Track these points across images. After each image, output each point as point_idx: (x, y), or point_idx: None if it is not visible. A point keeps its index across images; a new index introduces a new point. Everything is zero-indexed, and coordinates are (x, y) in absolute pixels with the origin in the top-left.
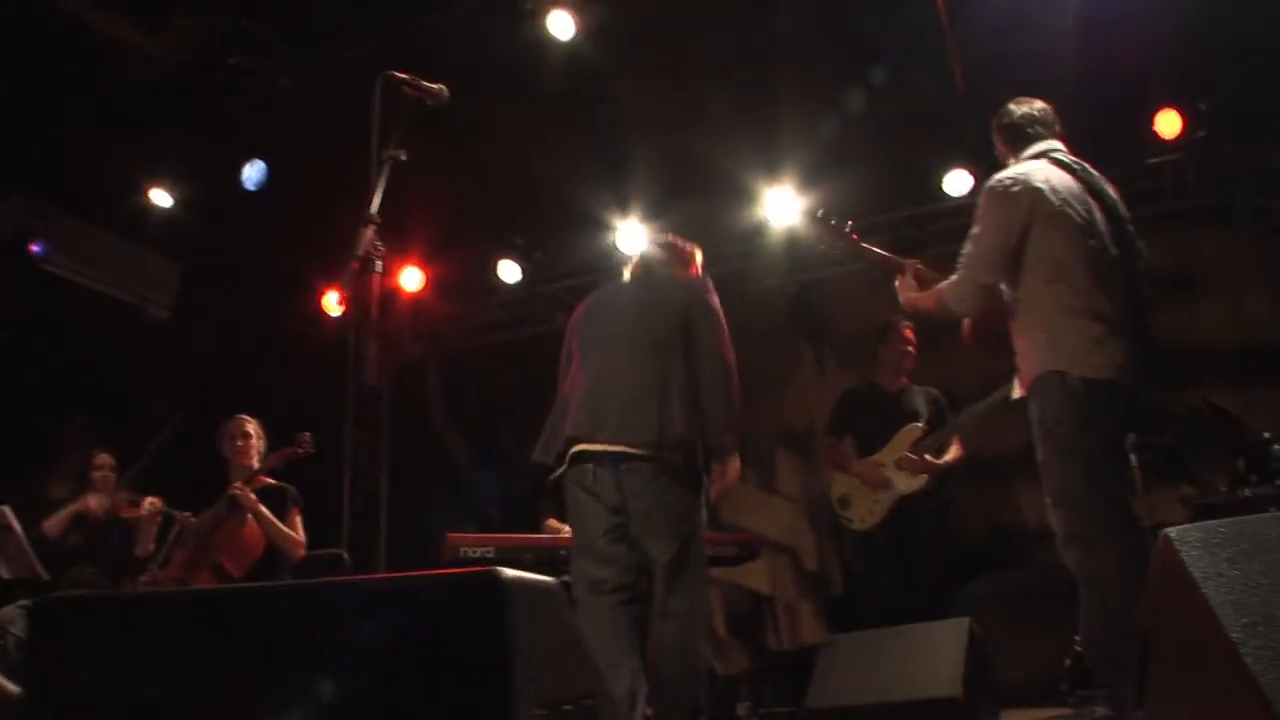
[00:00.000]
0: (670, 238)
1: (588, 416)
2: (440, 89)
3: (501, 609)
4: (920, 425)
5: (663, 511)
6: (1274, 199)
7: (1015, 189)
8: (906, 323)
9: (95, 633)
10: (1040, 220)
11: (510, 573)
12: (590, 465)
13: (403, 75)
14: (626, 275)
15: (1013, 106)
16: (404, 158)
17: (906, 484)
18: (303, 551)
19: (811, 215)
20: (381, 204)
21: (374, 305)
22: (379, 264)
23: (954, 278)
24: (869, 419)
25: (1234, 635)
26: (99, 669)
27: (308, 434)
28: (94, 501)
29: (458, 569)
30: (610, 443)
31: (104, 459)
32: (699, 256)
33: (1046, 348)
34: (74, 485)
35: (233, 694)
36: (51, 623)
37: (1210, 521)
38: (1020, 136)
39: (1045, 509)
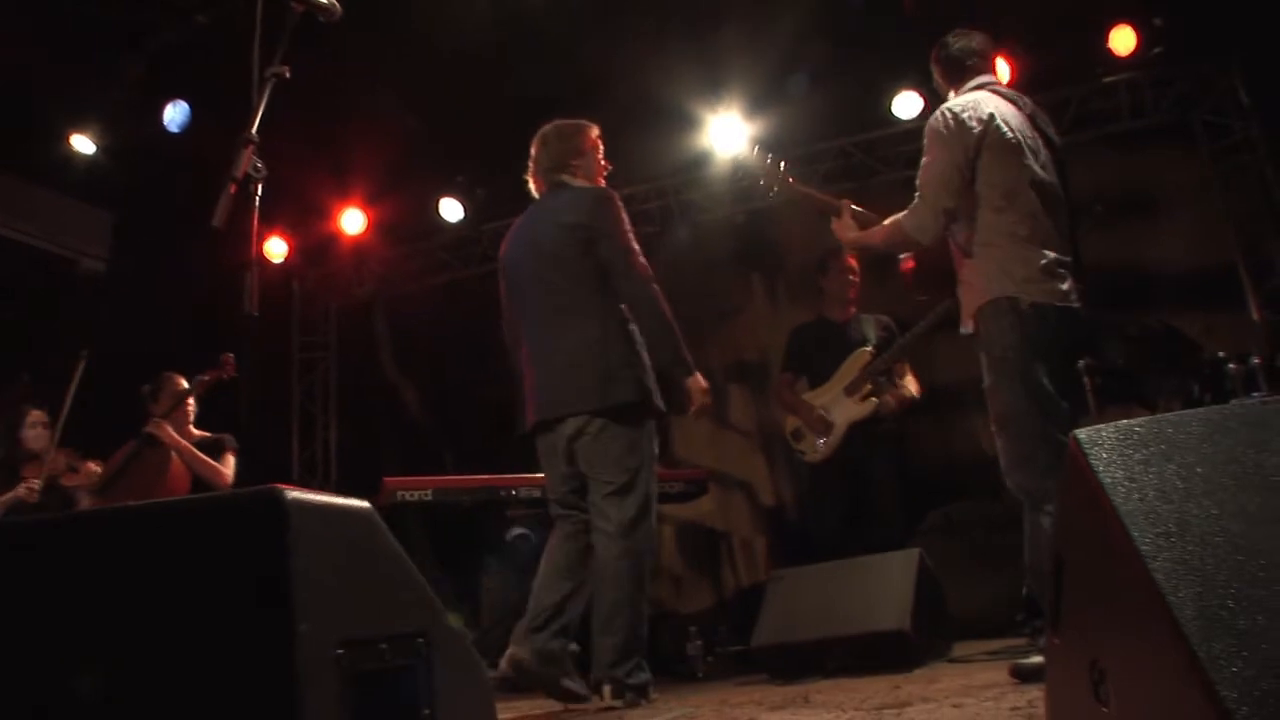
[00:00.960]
0: (557, 125)
1: (537, 400)
2: (332, 3)
3: (280, 533)
4: (868, 349)
5: (605, 451)
6: (1233, 117)
7: (965, 114)
8: (847, 251)
9: None
10: (991, 147)
11: (297, 493)
12: (548, 433)
13: None
14: (533, 189)
15: (951, 39)
16: (288, 75)
17: (855, 410)
18: (228, 482)
19: (759, 149)
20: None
21: (254, 230)
22: (259, 187)
23: (912, 206)
24: (820, 353)
25: (1144, 548)
26: None
27: (230, 355)
28: (25, 491)
29: (234, 491)
30: (557, 415)
31: (37, 415)
32: (592, 134)
33: (995, 274)
34: (7, 444)
35: None
36: None
37: (1125, 421)
38: (960, 69)
39: None
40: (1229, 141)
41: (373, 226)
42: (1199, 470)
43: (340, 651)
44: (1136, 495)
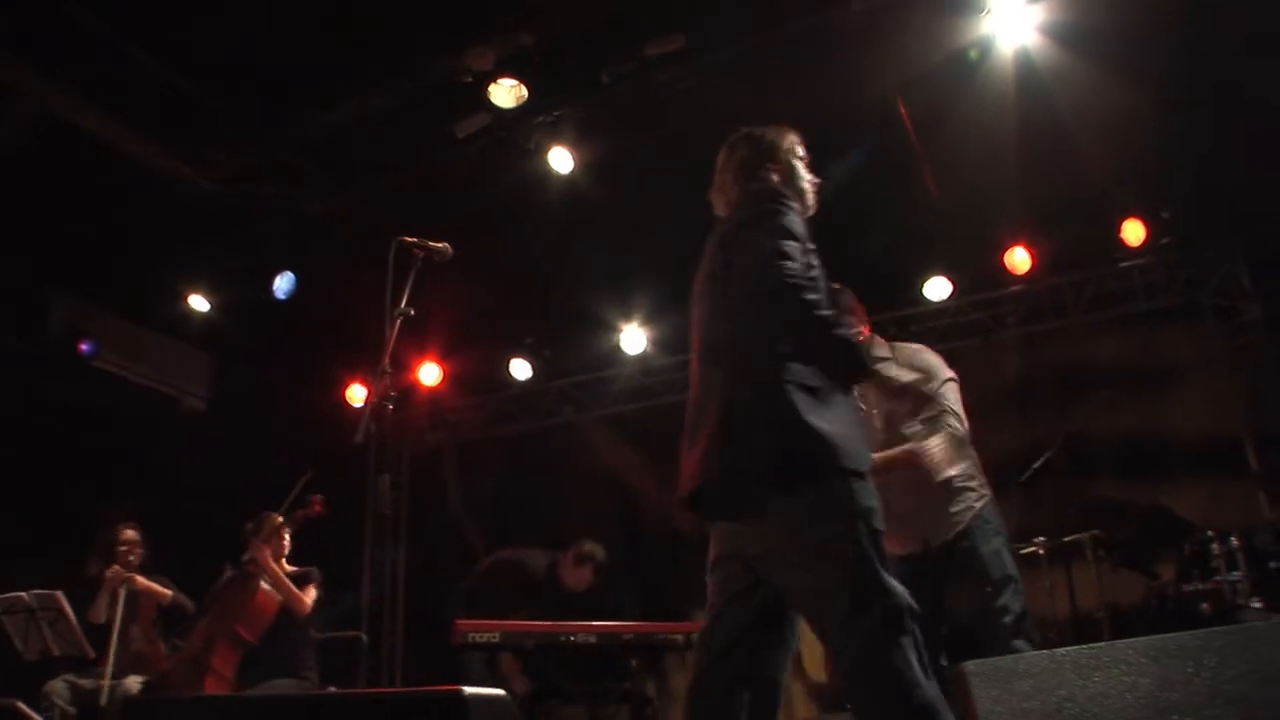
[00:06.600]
0: None
1: None
2: (444, 247)
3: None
4: None
5: None
6: (1236, 299)
7: None
8: None
9: None
10: None
11: (471, 690)
12: None
13: (411, 239)
14: None
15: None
16: (412, 313)
17: None
18: (306, 611)
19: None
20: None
21: (388, 443)
22: (391, 406)
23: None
24: None
25: None
26: None
27: (319, 495)
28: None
29: (425, 688)
30: None
31: (129, 534)
32: None
33: (977, 479)
34: (105, 562)
35: None
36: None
37: (998, 658)
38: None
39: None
40: (1235, 322)
41: (447, 379)
42: (1038, 695)
43: None
44: (993, 714)
